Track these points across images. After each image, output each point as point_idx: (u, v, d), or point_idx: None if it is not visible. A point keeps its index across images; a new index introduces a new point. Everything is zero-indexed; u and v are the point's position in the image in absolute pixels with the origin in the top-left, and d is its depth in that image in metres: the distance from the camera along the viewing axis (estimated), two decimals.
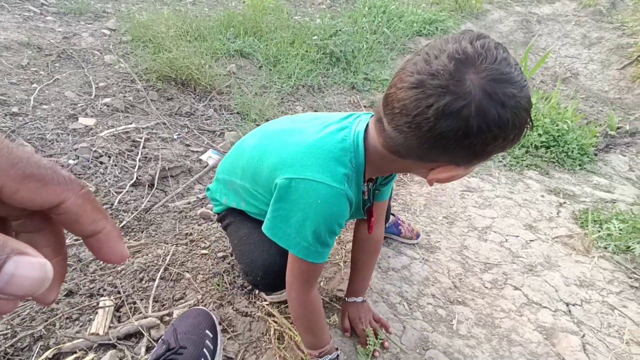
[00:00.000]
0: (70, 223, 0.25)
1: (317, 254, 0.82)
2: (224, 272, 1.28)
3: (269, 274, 0.96)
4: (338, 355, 0.97)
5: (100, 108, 1.95)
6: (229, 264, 1.31)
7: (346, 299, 1.17)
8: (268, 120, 2.27)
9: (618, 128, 2.81)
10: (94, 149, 1.66)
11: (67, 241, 1.28)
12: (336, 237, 0.86)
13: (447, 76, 0.57)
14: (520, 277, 1.44)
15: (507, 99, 0.57)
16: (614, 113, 2.96)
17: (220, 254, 1.34)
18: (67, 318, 1.06)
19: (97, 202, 0.26)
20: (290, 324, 1.10)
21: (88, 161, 1.62)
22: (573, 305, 1.34)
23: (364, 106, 2.67)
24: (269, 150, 0.88)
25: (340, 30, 3.14)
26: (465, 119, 0.58)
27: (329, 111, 2.52)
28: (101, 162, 1.64)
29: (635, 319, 1.31)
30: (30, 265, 0.20)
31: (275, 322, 1.11)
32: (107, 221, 0.27)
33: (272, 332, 1.08)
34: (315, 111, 2.53)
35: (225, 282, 1.24)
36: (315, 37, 2.98)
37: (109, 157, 1.68)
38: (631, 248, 1.61)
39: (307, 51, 2.89)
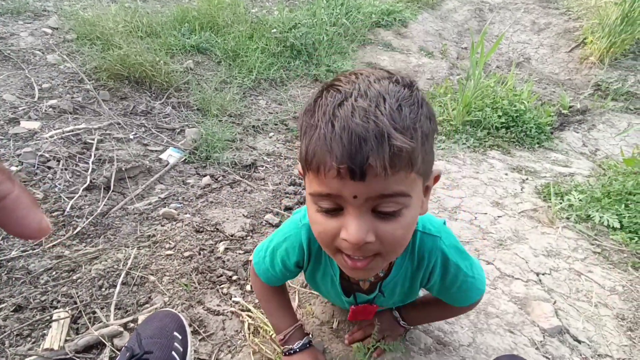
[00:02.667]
0: None
1: (262, 263, 0.86)
2: (191, 271, 1.20)
3: None
4: (310, 341, 0.93)
5: (45, 110, 1.80)
6: (196, 262, 1.24)
7: (392, 310, 1.02)
8: (231, 116, 2.21)
9: (570, 107, 2.94)
10: (39, 153, 1.53)
11: (12, 253, 1.17)
12: (284, 271, 0.84)
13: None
14: (491, 252, 1.46)
15: None
16: (565, 93, 3.10)
17: (186, 254, 1.27)
18: (17, 335, 0.96)
19: None
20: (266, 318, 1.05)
21: (34, 167, 1.49)
22: (543, 274, 1.37)
23: None
24: None
25: (299, 23, 3.09)
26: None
27: (294, 104, 2.48)
28: (49, 167, 1.52)
29: (601, 282, 1.36)
30: None
31: (250, 317, 1.05)
32: (13, 184, 0.21)
33: (246, 327, 1.03)
34: (279, 105, 2.47)
35: (194, 282, 1.17)
36: (275, 30, 2.92)
37: (58, 161, 1.55)
38: (591, 217, 1.67)
39: (267, 45, 2.83)
